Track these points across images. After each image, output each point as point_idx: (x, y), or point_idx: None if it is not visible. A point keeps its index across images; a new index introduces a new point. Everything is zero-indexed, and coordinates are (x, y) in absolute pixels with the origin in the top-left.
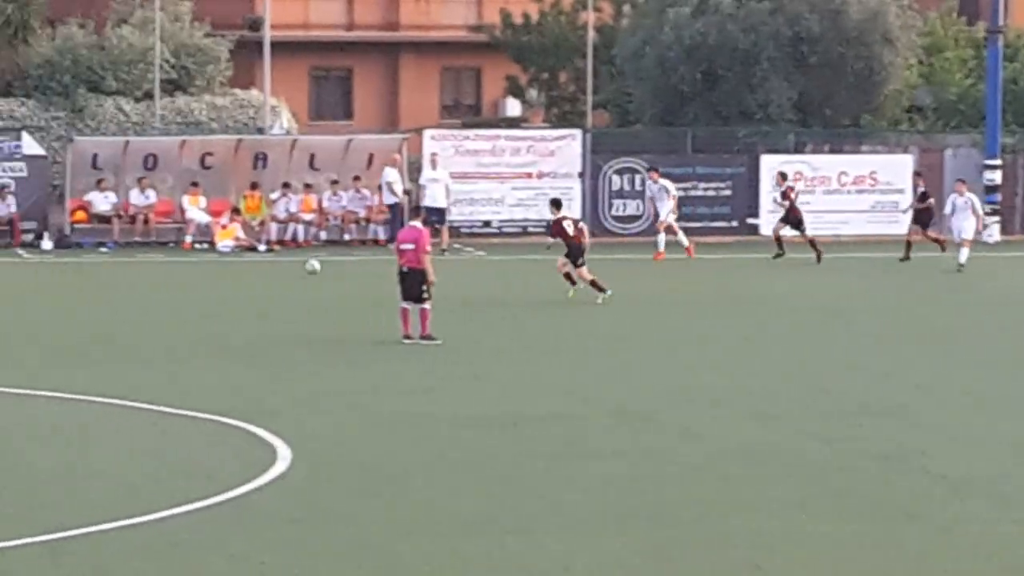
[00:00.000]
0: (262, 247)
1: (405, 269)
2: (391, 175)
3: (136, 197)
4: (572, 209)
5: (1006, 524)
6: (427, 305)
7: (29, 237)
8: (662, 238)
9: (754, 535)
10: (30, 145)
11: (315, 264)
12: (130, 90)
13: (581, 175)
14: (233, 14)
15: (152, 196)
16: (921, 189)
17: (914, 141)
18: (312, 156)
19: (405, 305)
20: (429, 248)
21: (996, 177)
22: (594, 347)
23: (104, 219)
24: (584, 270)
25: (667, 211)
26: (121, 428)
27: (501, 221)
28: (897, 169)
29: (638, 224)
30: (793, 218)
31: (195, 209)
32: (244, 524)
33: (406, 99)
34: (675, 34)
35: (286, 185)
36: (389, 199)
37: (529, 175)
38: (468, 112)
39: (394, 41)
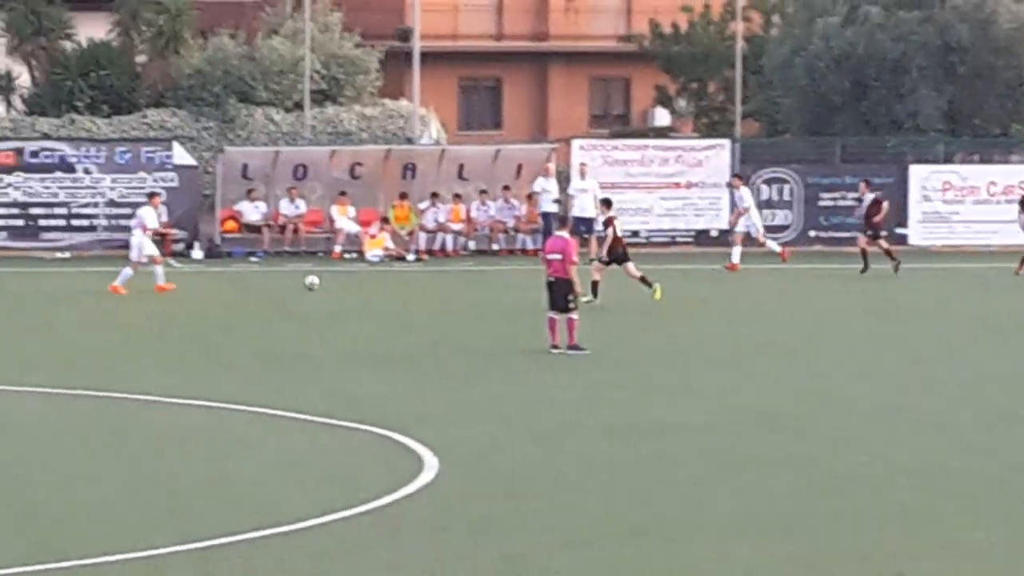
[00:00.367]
0: (411, 257)
1: (552, 279)
2: (544, 184)
3: (286, 207)
4: (720, 219)
5: None
6: (574, 315)
7: (180, 246)
8: (738, 249)
9: (900, 544)
10: (181, 155)
11: (314, 280)
12: (280, 100)
13: (729, 185)
14: (383, 25)
15: (302, 206)
16: None
17: None
18: (461, 166)
19: (552, 315)
20: (576, 259)
21: None
22: (741, 355)
23: (254, 229)
24: (630, 266)
25: (744, 220)
26: (270, 437)
27: (649, 231)
28: None
29: (786, 234)
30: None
31: (344, 219)
32: (391, 534)
33: (555, 109)
34: (824, 44)
35: (435, 195)
36: (545, 207)
37: (677, 185)
38: (617, 122)
39: (543, 51)
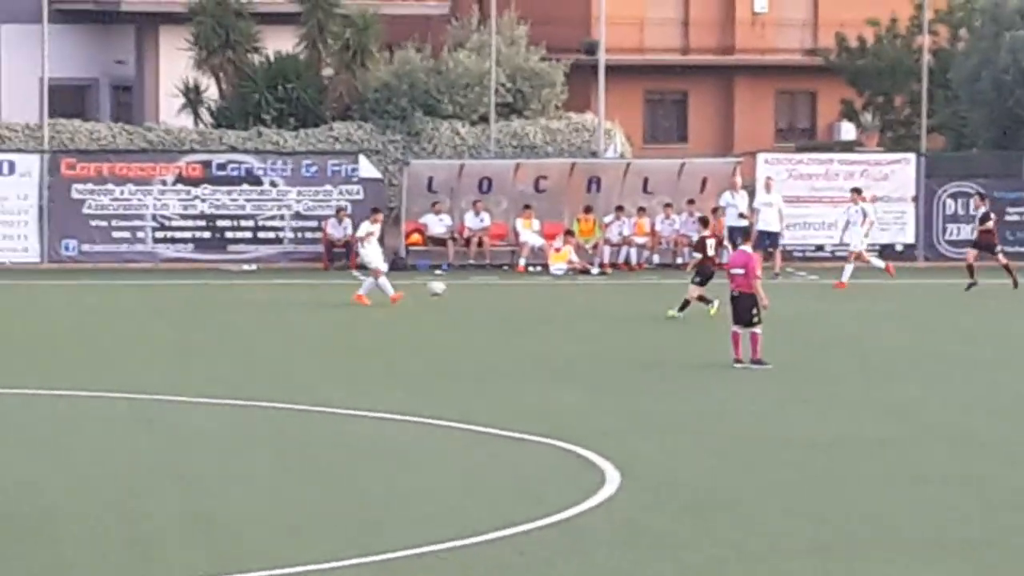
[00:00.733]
0: (595, 270)
1: (736, 293)
2: (730, 199)
3: (471, 220)
4: (905, 233)
5: None
6: (758, 329)
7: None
8: (850, 268)
9: None
10: (367, 168)
11: (438, 286)
12: (466, 114)
13: (915, 199)
14: (569, 38)
15: (487, 219)
16: None
17: None
18: (645, 180)
19: (736, 329)
20: (760, 273)
21: None
22: (927, 370)
23: (439, 242)
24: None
25: (859, 236)
26: (451, 449)
27: (834, 245)
28: None
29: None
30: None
31: (529, 232)
32: (573, 547)
33: (740, 122)
34: (1011, 57)
35: (619, 208)
36: (732, 222)
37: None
38: (802, 135)
39: (729, 65)
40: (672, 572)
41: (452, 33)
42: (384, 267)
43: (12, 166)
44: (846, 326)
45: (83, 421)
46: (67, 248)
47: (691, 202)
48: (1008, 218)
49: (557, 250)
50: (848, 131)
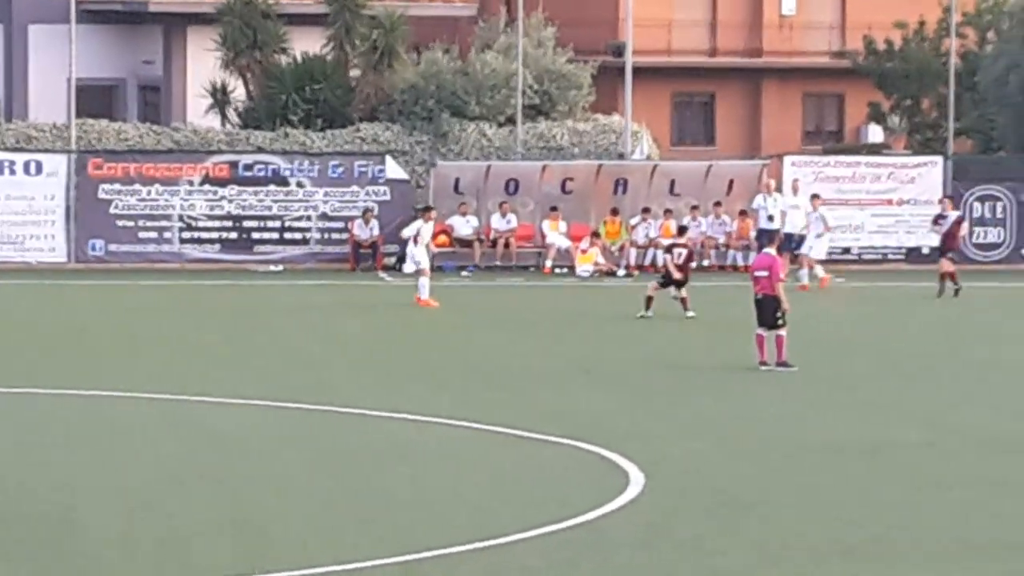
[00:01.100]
0: (621, 272)
1: (759, 296)
2: (762, 201)
3: (497, 221)
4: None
5: None
6: (782, 331)
7: (391, 260)
8: (805, 272)
9: None
10: (394, 169)
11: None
12: (493, 115)
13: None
14: (596, 40)
15: (513, 220)
16: None
17: None
18: (672, 181)
19: (760, 331)
20: (783, 275)
21: None
22: (955, 374)
23: (466, 243)
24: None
25: (821, 243)
26: (477, 451)
27: (860, 248)
28: None
29: (999, 251)
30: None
31: (555, 234)
32: (597, 550)
33: (768, 125)
34: None
35: (646, 210)
36: (764, 224)
37: (889, 202)
38: (830, 138)
39: (757, 67)
40: (696, 575)
41: (479, 34)
42: (428, 268)
43: (40, 166)
44: (871, 329)
45: (112, 422)
46: (94, 248)
47: (718, 204)
48: None
49: (583, 252)
50: (876, 134)
